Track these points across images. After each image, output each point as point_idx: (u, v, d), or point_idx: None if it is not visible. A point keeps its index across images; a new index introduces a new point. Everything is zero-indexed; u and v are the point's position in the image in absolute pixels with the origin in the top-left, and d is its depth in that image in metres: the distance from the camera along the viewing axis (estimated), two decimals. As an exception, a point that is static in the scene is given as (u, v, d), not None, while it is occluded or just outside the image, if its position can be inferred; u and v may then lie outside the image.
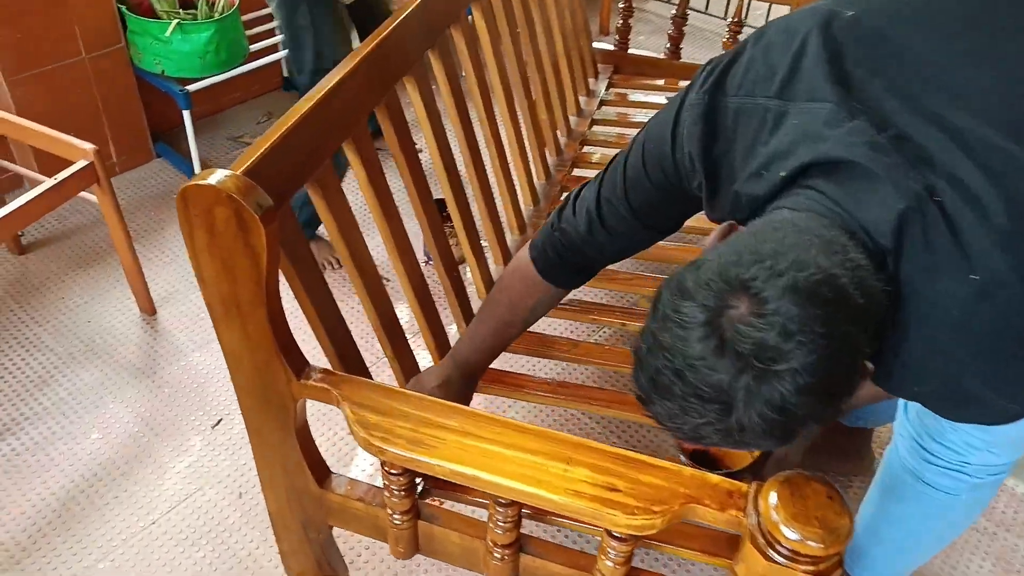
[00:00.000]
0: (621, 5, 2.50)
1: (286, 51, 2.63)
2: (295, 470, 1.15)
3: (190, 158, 2.43)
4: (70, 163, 1.71)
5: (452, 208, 1.54)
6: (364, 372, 1.20)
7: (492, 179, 1.69)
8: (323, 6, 1.93)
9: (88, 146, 1.68)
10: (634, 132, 2.32)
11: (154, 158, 2.56)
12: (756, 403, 0.71)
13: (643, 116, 2.41)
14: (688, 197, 1.01)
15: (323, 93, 1.08)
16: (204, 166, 2.48)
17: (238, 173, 0.89)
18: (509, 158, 1.79)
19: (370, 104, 1.23)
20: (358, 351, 1.19)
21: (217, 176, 0.88)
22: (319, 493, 1.15)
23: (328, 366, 1.13)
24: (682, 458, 1.26)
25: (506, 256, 1.75)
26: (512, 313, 1.23)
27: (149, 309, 1.98)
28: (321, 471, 1.16)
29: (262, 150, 0.96)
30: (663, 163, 1.01)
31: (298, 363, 1.03)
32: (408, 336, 1.34)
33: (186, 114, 2.31)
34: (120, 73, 2.35)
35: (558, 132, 2.12)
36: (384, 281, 1.27)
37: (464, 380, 1.27)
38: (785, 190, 0.86)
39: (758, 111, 0.89)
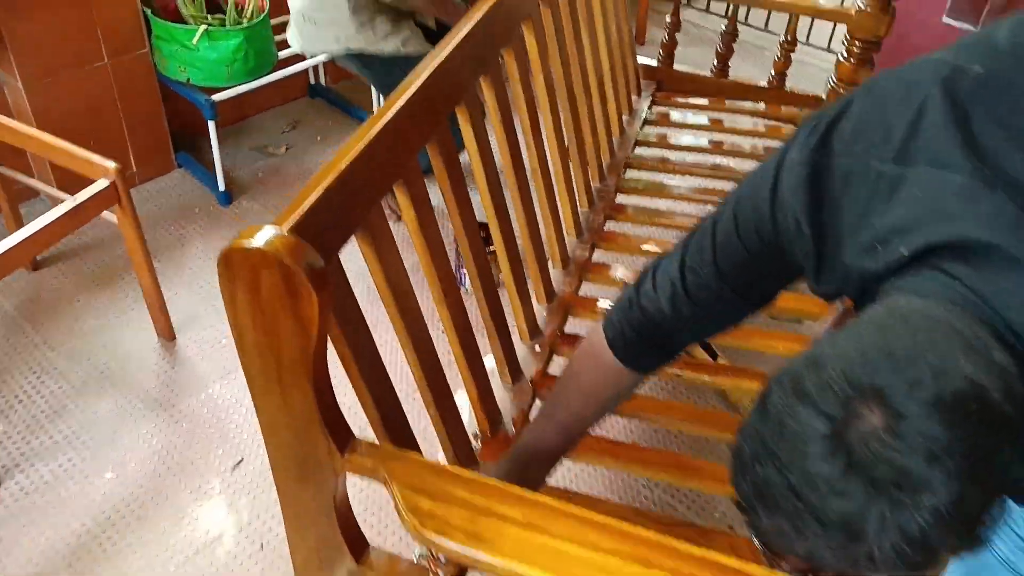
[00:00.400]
0: (668, 19, 2.38)
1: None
2: (330, 544, 1.04)
3: (213, 170, 2.32)
4: (89, 178, 1.60)
5: (499, 245, 1.44)
6: (412, 443, 1.09)
7: (536, 207, 1.58)
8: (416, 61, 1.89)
9: (110, 164, 1.58)
10: (678, 156, 2.24)
11: (175, 168, 2.46)
12: (890, 534, 0.61)
13: (688, 138, 2.30)
14: (786, 265, 0.89)
15: (372, 135, 0.98)
16: (227, 178, 2.37)
17: (285, 232, 0.79)
18: (554, 185, 1.69)
19: (421, 141, 1.12)
20: (407, 420, 1.08)
21: (264, 236, 0.77)
22: (356, 569, 1.05)
23: (366, 422, 1.03)
24: (755, 540, 1.14)
25: (549, 293, 1.65)
26: (584, 405, 1.10)
27: (168, 334, 1.87)
28: (359, 546, 1.05)
29: (309, 201, 0.86)
30: (760, 228, 0.90)
31: (343, 436, 0.92)
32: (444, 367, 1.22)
33: (211, 125, 2.21)
34: (143, 80, 2.25)
35: (601, 155, 2.01)
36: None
37: (524, 482, 1.14)
38: (907, 269, 0.74)
39: (870, 175, 0.78)
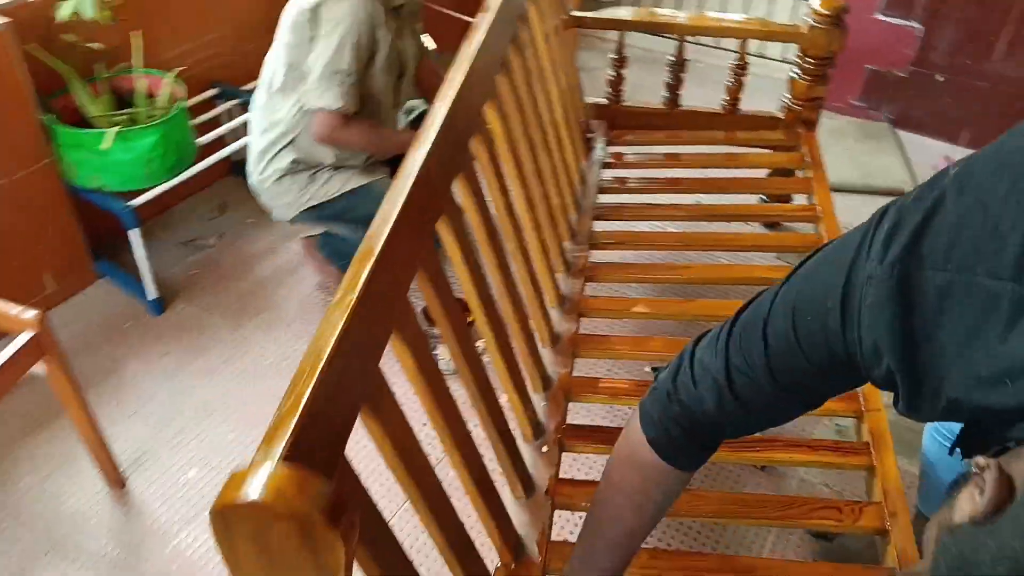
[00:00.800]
0: (612, 56, 2.27)
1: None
2: None
3: (138, 276, 2.10)
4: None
5: (489, 341, 1.28)
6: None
7: (519, 288, 1.44)
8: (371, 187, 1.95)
9: (31, 315, 1.36)
10: (640, 199, 2.11)
11: (96, 279, 2.22)
12: None
13: (647, 178, 2.17)
14: (857, 375, 0.77)
15: (357, 293, 0.81)
16: (157, 282, 2.14)
17: (282, 465, 0.62)
18: (532, 259, 1.55)
19: (410, 276, 0.96)
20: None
21: (259, 480, 0.60)
22: None
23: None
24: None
25: (544, 379, 1.50)
26: (635, 516, 0.96)
27: (117, 482, 1.65)
28: None
29: (298, 413, 0.69)
30: (829, 341, 0.76)
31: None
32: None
33: (132, 233, 1.99)
34: (50, 193, 2.01)
35: (568, 213, 1.88)
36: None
37: None
38: None
39: (981, 294, 0.65)
